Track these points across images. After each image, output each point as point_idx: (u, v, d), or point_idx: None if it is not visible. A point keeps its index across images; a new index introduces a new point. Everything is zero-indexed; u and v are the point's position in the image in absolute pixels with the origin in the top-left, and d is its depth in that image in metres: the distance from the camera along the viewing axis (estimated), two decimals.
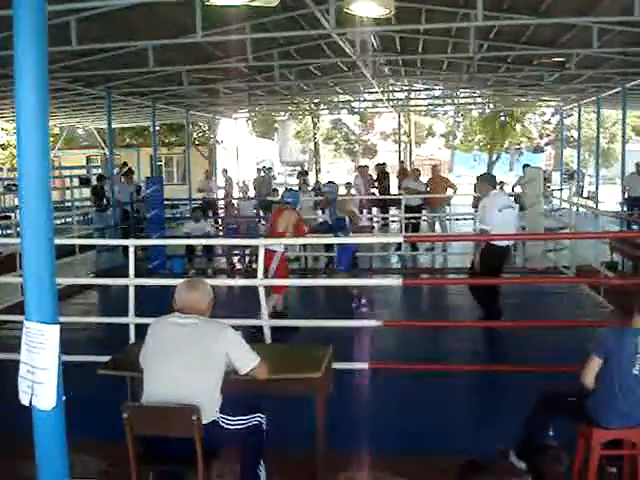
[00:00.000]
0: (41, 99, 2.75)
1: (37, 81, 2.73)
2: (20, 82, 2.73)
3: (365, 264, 13.19)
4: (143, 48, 12.20)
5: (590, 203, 21.75)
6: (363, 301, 9.97)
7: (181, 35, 11.53)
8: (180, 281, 4.42)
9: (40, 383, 2.74)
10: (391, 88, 25.07)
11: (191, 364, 3.91)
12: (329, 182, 11.84)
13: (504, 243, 9.17)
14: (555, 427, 4.53)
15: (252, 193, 20.92)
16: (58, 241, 2.76)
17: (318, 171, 41.94)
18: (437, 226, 16.78)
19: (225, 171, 23.81)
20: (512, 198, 11.69)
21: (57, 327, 2.77)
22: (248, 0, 7.22)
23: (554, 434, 4.52)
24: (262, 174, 23.45)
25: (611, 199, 23.28)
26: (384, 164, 23.27)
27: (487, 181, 9.74)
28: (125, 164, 24.41)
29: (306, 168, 38.90)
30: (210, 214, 18.49)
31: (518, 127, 38.69)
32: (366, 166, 22.45)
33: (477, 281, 8.99)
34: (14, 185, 23.11)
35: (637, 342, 4.12)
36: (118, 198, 16.81)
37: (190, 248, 14.33)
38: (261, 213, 15.38)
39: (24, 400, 2.79)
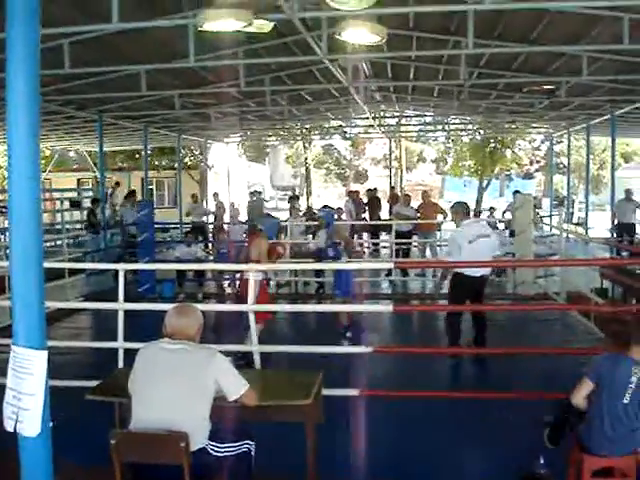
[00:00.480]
0: (32, 122, 2.75)
1: (29, 104, 2.73)
2: (12, 105, 2.73)
3: (356, 290, 13.15)
4: (135, 72, 12.23)
5: (580, 229, 21.84)
6: (348, 334, 9.74)
7: (174, 59, 11.57)
8: (170, 306, 4.40)
9: (26, 409, 2.71)
10: (382, 114, 25.21)
11: (180, 390, 3.88)
12: (324, 206, 11.85)
13: (477, 273, 8.60)
14: (546, 455, 4.51)
15: (244, 217, 20.88)
16: (48, 264, 2.73)
17: (309, 195, 41.94)
18: (428, 252, 16.79)
19: (216, 195, 23.79)
20: (489, 226, 10.49)
21: (45, 353, 2.74)
22: (241, 26, 7.23)
23: (544, 462, 4.51)
24: (254, 198, 23.45)
25: (601, 225, 23.36)
26: (375, 189, 23.36)
27: (460, 209, 9.22)
28: (117, 184, 24.43)
29: (297, 192, 38.94)
30: (200, 238, 18.43)
31: (508, 153, 38.83)
32: (357, 191, 22.51)
33: (470, 307, 8.91)
34: (4, 207, 23.05)
35: (631, 372, 4.12)
36: (125, 220, 16.84)
37: (181, 272, 14.29)
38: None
39: (8, 426, 2.75)
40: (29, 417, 2.71)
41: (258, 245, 9.05)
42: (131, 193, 19.52)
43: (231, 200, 25.28)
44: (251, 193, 24.05)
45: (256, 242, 9.17)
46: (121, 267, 7.22)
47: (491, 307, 11.95)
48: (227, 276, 14.21)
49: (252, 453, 4.18)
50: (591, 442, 4.24)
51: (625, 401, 4.12)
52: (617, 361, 4.21)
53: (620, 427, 4.15)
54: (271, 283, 14.29)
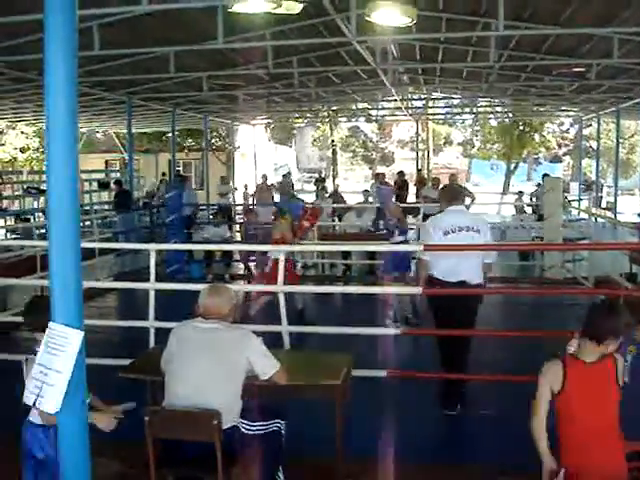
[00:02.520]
0: (71, 105, 2.78)
1: (67, 87, 2.77)
2: (51, 87, 2.76)
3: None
4: (164, 54, 12.28)
5: (609, 214, 21.64)
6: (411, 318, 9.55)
7: (202, 41, 11.60)
8: (199, 286, 4.45)
9: (50, 385, 2.74)
10: (410, 96, 25.07)
11: (213, 369, 3.94)
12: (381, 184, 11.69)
13: (454, 276, 6.41)
14: None
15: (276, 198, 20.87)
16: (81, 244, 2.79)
17: (335, 177, 41.91)
18: None
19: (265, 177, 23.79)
20: (482, 221, 6.97)
21: (81, 333, 2.78)
22: (271, 7, 7.24)
23: None
24: (283, 180, 23.46)
25: (630, 210, 23.14)
26: (403, 172, 23.34)
27: (446, 195, 7.05)
28: (164, 174, 24.71)
29: (323, 175, 38.93)
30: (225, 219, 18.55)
31: (537, 136, 38.53)
32: (383, 174, 22.47)
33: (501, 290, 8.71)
34: (34, 188, 23.33)
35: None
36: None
37: (209, 253, 14.38)
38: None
39: (28, 400, 2.78)
40: (51, 393, 2.74)
41: (280, 226, 9.20)
42: (182, 178, 19.50)
43: (257, 182, 25.28)
44: (284, 175, 24.03)
45: (278, 223, 9.37)
46: (152, 247, 7.29)
47: (519, 291, 11.95)
48: (254, 257, 14.29)
49: (282, 432, 4.24)
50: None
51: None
52: None
53: None
54: (298, 265, 14.36)
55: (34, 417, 3.68)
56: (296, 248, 8.65)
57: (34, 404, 2.78)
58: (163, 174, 21.11)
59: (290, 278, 8.82)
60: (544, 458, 3.57)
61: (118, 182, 19.67)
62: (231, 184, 22.56)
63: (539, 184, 20.84)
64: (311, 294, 10.63)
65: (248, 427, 4.06)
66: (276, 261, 8.70)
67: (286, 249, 7.86)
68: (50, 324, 2.83)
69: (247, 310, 8.57)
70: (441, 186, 8.58)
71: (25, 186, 24.58)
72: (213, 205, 20.29)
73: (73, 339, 2.78)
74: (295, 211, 9.55)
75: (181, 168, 31.94)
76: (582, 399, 3.55)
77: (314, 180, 26.08)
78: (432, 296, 6.56)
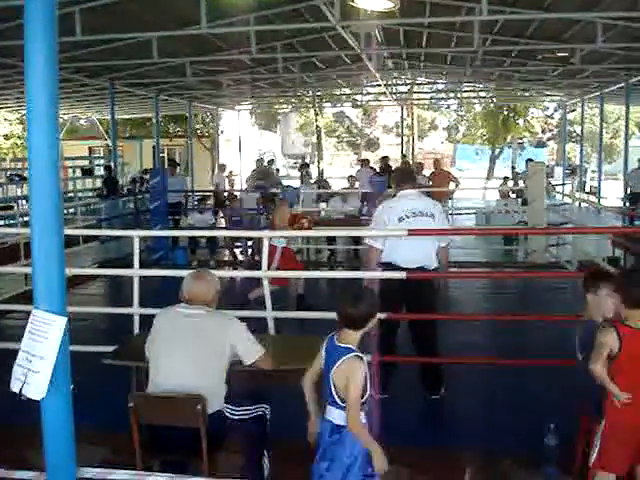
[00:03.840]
0: (51, 90, 2.76)
1: (47, 71, 2.74)
2: (30, 72, 2.74)
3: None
4: (147, 39, 12.21)
5: (592, 198, 21.76)
6: None
7: (185, 26, 11.54)
8: (183, 272, 4.45)
9: (35, 372, 2.73)
10: (394, 81, 25.07)
11: (197, 354, 3.95)
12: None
13: (411, 262, 6.22)
14: (557, 423, 4.56)
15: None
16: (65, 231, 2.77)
17: (320, 163, 41.85)
18: None
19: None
20: (435, 205, 6.67)
21: (64, 319, 2.78)
22: None
23: (554, 428, 4.54)
24: (264, 165, 23.44)
25: (613, 194, 23.27)
26: (387, 157, 23.33)
27: (397, 176, 6.83)
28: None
29: (308, 160, 38.86)
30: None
31: (521, 121, 38.63)
32: (367, 159, 22.48)
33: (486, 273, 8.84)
34: (17, 175, 23.18)
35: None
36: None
37: (193, 239, 14.36)
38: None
39: (15, 387, 2.77)
40: (36, 380, 2.73)
41: (282, 213, 9.32)
42: (171, 162, 19.28)
43: (243, 168, 25.27)
44: (257, 160, 23.99)
45: (279, 210, 9.48)
46: (135, 234, 7.26)
47: (503, 274, 12.04)
48: (239, 243, 14.28)
49: (267, 416, 4.25)
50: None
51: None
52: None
53: None
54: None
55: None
56: (280, 234, 8.63)
57: (20, 391, 2.77)
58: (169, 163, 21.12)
59: (293, 265, 8.92)
60: (614, 391, 3.75)
61: (108, 168, 19.57)
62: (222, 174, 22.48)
63: (513, 167, 20.98)
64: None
65: (233, 412, 4.07)
66: (282, 247, 8.79)
67: (270, 235, 7.84)
68: (33, 311, 2.82)
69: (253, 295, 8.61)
70: (394, 169, 8.03)
71: (8, 173, 24.43)
72: (198, 191, 20.25)
73: (56, 325, 2.77)
74: (290, 198, 9.59)
75: (165, 155, 31.81)
76: (636, 361, 3.74)
77: (298, 166, 26.08)
78: (383, 284, 6.10)
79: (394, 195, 6.64)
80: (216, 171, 22.27)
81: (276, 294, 7.88)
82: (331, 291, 10.96)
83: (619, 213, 16.28)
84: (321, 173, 25.12)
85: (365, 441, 3.43)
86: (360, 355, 3.49)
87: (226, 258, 14.46)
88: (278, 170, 23.86)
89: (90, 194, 22.15)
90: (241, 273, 8.89)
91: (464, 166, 47.68)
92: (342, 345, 3.52)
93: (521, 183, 16.81)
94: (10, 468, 3.00)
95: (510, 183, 20.74)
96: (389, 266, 6.24)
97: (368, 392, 3.47)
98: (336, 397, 3.45)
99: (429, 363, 6.29)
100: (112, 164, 19.26)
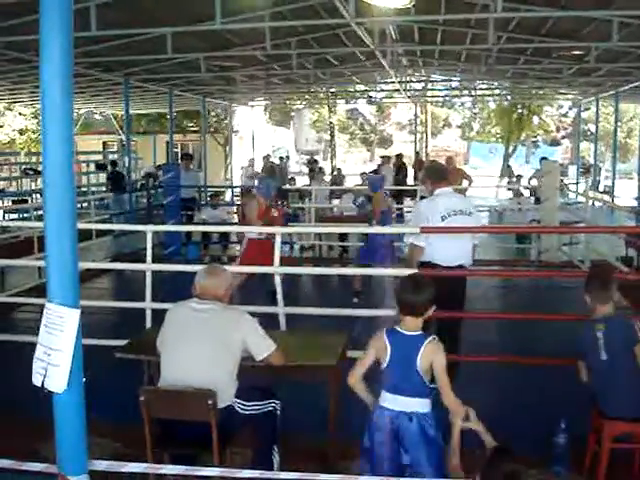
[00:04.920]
0: (66, 84, 2.78)
1: (63, 65, 2.76)
2: (45, 66, 2.75)
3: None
4: (161, 35, 12.21)
5: (606, 197, 21.65)
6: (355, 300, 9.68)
7: (200, 22, 11.55)
8: (196, 267, 4.48)
9: (55, 365, 2.76)
10: (408, 78, 24.99)
11: (208, 349, 3.97)
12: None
13: (454, 260, 6.28)
14: (568, 421, 4.55)
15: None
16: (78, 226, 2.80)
17: (333, 159, 41.78)
18: None
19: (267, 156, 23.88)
20: (470, 203, 6.92)
21: (77, 311, 2.80)
22: None
23: (565, 428, 4.53)
24: (271, 161, 23.53)
25: (627, 194, 23.14)
26: (401, 155, 23.35)
27: (433, 174, 6.69)
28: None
29: (321, 157, 38.86)
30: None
31: (535, 120, 38.46)
32: (388, 156, 22.53)
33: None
34: (31, 169, 23.33)
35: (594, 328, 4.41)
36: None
37: (206, 235, 14.39)
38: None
39: (36, 381, 2.81)
40: (57, 373, 2.76)
41: (250, 207, 9.27)
42: (186, 156, 19.21)
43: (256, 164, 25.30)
44: (264, 157, 24.08)
45: (249, 203, 9.43)
46: (148, 229, 7.30)
47: (515, 273, 12.00)
48: None
49: (277, 412, 4.27)
50: (602, 405, 4.33)
51: (603, 357, 4.28)
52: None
53: (616, 385, 4.22)
54: (295, 246, 14.39)
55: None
56: (293, 230, 8.64)
57: (42, 385, 2.80)
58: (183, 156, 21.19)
59: (268, 261, 8.57)
60: None
61: (113, 163, 19.65)
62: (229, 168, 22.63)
63: (508, 165, 20.86)
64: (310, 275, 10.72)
65: (243, 407, 4.09)
66: (252, 240, 8.71)
67: (284, 230, 7.85)
68: (47, 304, 2.84)
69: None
70: (425, 166, 7.80)
71: (23, 168, 24.57)
72: (212, 187, 20.30)
73: (70, 318, 2.80)
74: (266, 190, 9.55)
75: (179, 150, 31.87)
76: None
77: (306, 162, 26.12)
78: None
79: (431, 193, 6.57)
80: (246, 164, 22.40)
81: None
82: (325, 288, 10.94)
83: (633, 212, 16.19)
84: (335, 168, 25.03)
85: (459, 413, 3.58)
86: (435, 337, 3.64)
87: (238, 253, 14.47)
88: (284, 166, 23.89)
89: (104, 189, 22.26)
90: (252, 269, 8.86)
91: (478, 164, 47.54)
92: (413, 333, 3.66)
93: (534, 181, 16.70)
94: (22, 460, 3.02)
95: (523, 180, 20.64)
96: (429, 265, 6.23)
97: None
98: (421, 385, 3.58)
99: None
100: (124, 158, 19.31)
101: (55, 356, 2.78)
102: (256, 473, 2.89)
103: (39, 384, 2.80)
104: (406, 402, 3.60)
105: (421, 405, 3.60)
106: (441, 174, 6.67)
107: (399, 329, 3.69)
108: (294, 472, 2.93)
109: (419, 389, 3.59)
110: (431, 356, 3.57)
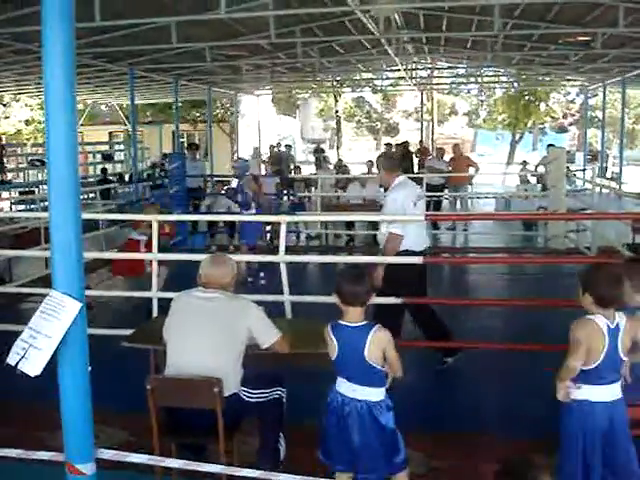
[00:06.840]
0: (69, 74, 2.77)
1: (64, 55, 2.75)
2: (47, 56, 2.75)
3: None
4: (166, 24, 12.20)
5: (613, 184, 21.56)
6: (261, 274, 10.27)
7: (204, 11, 11.53)
8: (201, 256, 4.49)
9: (37, 348, 2.72)
10: (414, 66, 24.90)
11: (214, 337, 3.99)
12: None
13: (423, 244, 6.62)
14: None
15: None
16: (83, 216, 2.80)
17: (339, 148, 41.72)
18: (458, 205, 16.72)
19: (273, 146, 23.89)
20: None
21: (80, 305, 2.79)
22: None
23: None
24: (281, 150, 23.48)
25: (635, 180, 23.05)
26: (406, 142, 23.26)
27: (390, 164, 6.71)
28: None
29: (327, 145, 38.77)
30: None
31: (542, 106, 38.29)
32: (390, 144, 22.44)
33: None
34: (38, 160, 23.36)
35: None
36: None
37: (212, 224, 14.41)
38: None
39: (12, 360, 2.77)
40: (36, 356, 2.72)
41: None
42: (192, 146, 19.15)
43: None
44: (272, 146, 24.09)
45: (145, 211, 9.09)
46: (154, 218, 7.31)
47: (521, 259, 11.98)
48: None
49: (283, 400, 4.29)
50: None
51: None
52: None
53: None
54: (301, 235, 14.42)
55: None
56: (299, 218, 8.64)
57: (16, 365, 2.77)
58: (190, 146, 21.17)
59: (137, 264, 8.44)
60: None
61: (103, 170, 19.62)
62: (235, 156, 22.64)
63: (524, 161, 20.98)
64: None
65: (249, 395, 4.11)
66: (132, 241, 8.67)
67: (284, 219, 7.85)
68: (50, 292, 2.84)
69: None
70: (380, 153, 7.82)
71: (29, 158, 24.61)
72: (218, 176, 20.27)
73: (70, 308, 2.79)
74: (241, 171, 10.28)
75: (185, 140, 31.87)
76: None
77: (313, 151, 26.07)
78: (404, 267, 6.26)
79: (388, 182, 6.71)
80: (252, 153, 22.46)
81: None
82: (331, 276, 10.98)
83: None
84: (339, 160, 25.05)
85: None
86: (380, 325, 3.65)
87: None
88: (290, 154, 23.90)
89: (111, 179, 22.27)
90: (258, 258, 8.88)
91: (485, 151, 47.41)
92: (357, 324, 3.65)
93: (541, 168, 16.64)
94: (29, 449, 3.04)
95: (529, 167, 20.56)
96: (406, 253, 6.35)
97: None
98: (372, 374, 3.61)
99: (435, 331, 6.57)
100: (131, 153, 19.30)
101: (41, 340, 2.73)
102: (256, 473, 2.89)
103: (13, 363, 2.76)
104: (359, 390, 3.64)
105: (374, 394, 3.65)
106: (396, 162, 6.84)
107: (342, 322, 3.70)
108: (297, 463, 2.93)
109: (370, 378, 3.63)
110: (381, 344, 3.61)
